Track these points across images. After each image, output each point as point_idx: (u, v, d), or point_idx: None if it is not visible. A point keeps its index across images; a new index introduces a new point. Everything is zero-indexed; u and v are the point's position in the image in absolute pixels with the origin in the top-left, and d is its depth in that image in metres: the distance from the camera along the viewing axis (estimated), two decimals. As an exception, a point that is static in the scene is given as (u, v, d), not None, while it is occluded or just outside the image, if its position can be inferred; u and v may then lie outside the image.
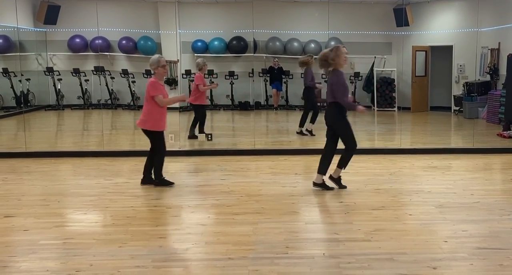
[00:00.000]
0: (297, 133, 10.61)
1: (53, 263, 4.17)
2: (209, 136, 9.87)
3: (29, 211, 5.57)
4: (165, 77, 7.08)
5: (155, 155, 6.59)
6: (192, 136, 10.01)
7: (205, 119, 10.24)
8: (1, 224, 5.15)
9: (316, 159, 8.33)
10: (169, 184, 6.59)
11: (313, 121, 10.47)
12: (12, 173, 7.57)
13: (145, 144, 9.84)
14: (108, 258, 4.24)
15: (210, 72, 15.03)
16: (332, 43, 15.30)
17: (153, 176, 6.64)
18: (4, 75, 13.91)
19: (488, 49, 13.23)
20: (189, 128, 10.18)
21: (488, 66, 13.20)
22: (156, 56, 6.53)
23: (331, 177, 6.41)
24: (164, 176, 6.63)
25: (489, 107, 12.52)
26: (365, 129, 12.55)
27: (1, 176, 7.30)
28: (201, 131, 10.07)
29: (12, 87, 13.94)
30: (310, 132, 10.45)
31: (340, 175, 6.41)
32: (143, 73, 14.54)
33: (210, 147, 9.34)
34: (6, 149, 9.21)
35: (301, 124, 10.61)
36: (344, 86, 6.10)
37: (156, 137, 6.55)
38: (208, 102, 10.71)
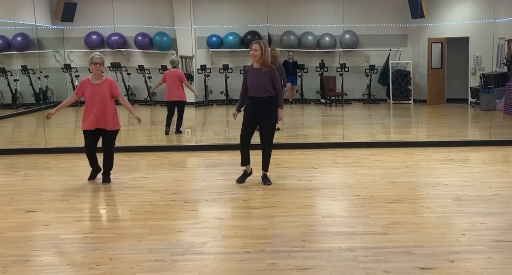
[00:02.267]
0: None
1: (74, 257, 4.25)
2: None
3: (49, 206, 5.68)
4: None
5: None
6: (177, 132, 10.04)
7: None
8: (23, 219, 5.25)
9: (332, 153, 8.41)
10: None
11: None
12: (33, 168, 7.71)
13: (162, 139, 9.97)
14: (128, 252, 4.31)
15: (226, 67, 15.09)
16: (347, 36, 15.28)
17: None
18: (23, 72, 14.12)
19: (505, 40, 13.05)
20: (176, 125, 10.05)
21: (505, 57, 13.03)
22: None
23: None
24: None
25: (507, 98, 12.37)
26: (381, 122, 12.50)
27: (22, 172, 7.45)
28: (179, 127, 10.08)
29: (31, 84, 14.15)
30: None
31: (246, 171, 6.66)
32: (159, 69, 14.62)
33: (225, 142, 9.38)
34: (27, 145, 9.37)
35: None
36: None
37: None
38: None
